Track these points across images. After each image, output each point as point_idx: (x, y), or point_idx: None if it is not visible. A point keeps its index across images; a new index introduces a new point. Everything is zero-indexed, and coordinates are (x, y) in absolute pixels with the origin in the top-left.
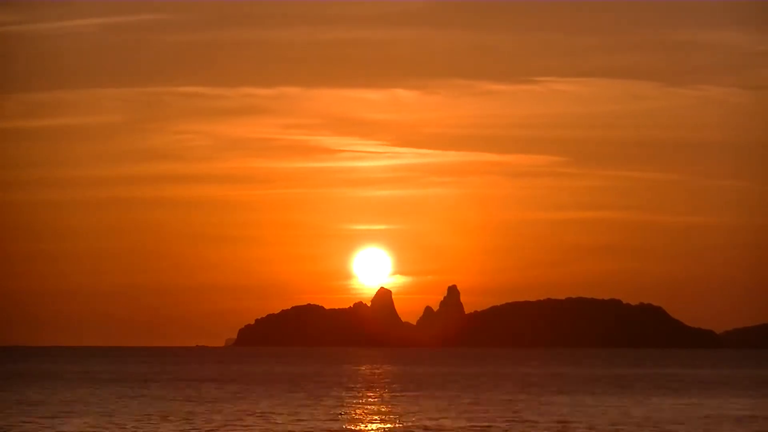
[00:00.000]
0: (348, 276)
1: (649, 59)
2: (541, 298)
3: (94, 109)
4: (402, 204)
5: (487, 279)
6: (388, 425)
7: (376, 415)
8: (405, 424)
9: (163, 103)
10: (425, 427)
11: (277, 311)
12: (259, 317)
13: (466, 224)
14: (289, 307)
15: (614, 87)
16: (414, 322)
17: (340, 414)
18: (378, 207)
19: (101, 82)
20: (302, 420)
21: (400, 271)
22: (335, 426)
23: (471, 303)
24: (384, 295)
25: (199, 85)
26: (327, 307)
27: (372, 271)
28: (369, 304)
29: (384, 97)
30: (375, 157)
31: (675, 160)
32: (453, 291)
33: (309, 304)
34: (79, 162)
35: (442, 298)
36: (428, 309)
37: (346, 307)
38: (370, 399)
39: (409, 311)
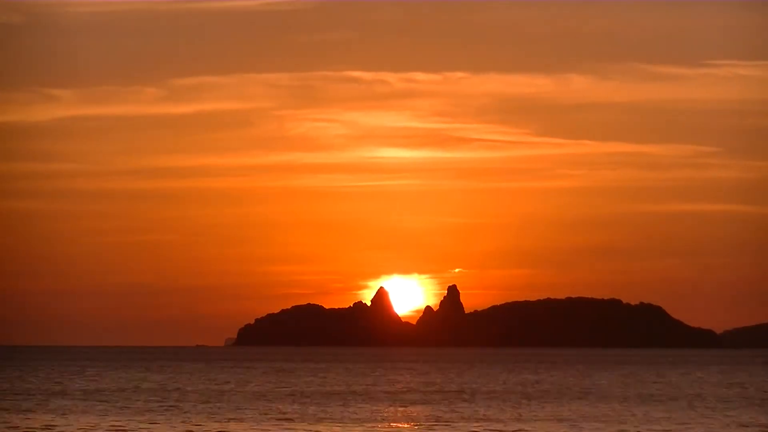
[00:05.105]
0: (364, 275)
1: None
2: (541, 298)
3: (239, 95)
4: (475, 198)
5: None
6: None
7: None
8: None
9: (313, 89)
10: None
11: (277, 311)
12: (259, 317)
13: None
14: (289, 307)
15: None
16: (414, 322)
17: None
18: (438, 200)
19: (254, 67)
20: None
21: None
22: None
23: (471, 303)
24: (383, 295)
25: (361, 70)
26: (327, 306)
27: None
28: (369, 304)
29: (554, 83)
30: (504, 147)
31: None
32: (453, 291)
33: (309, 304)
34: (204, 150)
35: (442, 298)
36: (428, 309)
37: (346, 306)
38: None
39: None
